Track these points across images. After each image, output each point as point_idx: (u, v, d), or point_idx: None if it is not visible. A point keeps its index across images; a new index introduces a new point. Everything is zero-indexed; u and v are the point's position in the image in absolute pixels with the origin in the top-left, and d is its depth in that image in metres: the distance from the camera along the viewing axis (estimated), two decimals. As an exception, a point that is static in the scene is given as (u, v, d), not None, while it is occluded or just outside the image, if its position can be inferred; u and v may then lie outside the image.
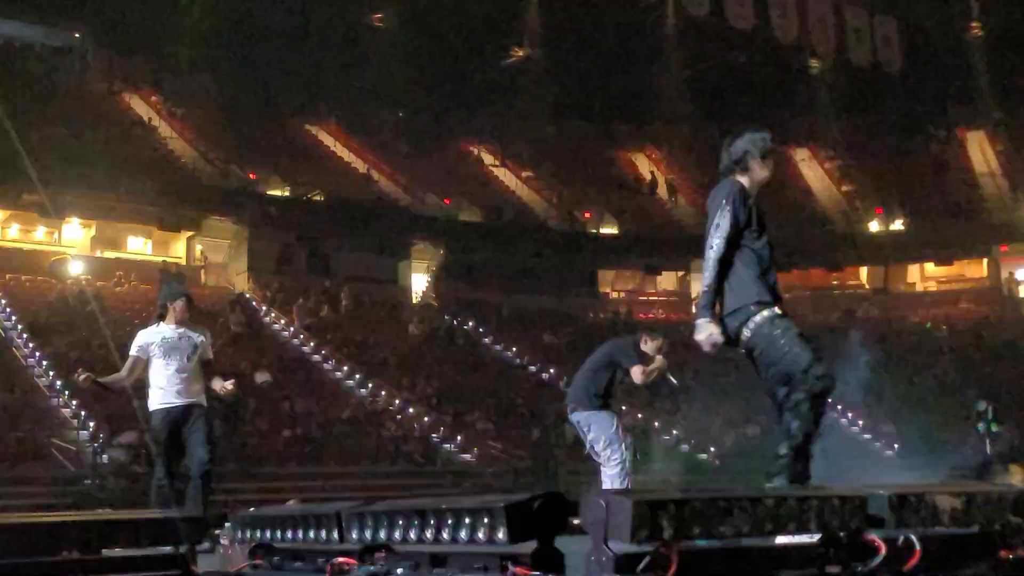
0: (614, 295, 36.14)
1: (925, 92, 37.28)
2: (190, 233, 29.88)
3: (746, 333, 4.61)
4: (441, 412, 22.93)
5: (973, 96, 37.71)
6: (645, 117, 38.63)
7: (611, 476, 7.59)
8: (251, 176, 31.74)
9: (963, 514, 3.32)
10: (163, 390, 7.10)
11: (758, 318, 4.59)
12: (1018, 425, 20.33)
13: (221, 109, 32.95)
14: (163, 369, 7.08)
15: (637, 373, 7.65)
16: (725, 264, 4.61)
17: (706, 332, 4.55)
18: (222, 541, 5.19)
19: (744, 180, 4.76)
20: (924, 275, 37.70)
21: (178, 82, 33.12)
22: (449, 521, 3.20)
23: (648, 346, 7.87)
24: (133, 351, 7.19)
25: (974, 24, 37.44)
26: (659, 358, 7.82)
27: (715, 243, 4.57)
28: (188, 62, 32.04)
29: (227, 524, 5.31)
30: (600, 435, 7.58)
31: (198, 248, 30.14)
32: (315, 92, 34.17)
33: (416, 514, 3.33)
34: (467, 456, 21.54)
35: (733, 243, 4.64)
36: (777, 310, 4.65)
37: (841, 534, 3.09)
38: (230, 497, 13.51)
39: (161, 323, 7.28)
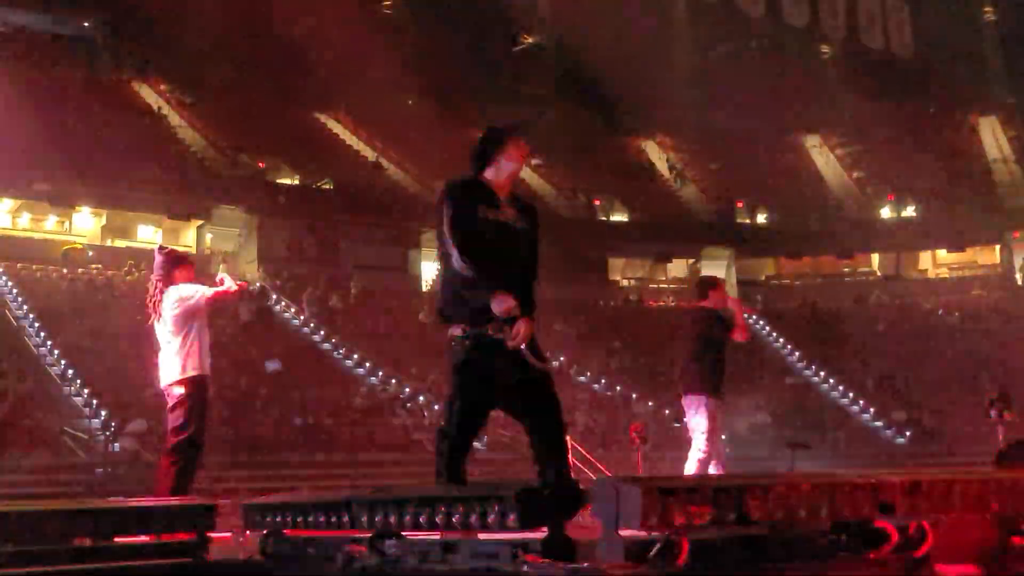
0: (624, 283, 36.10)
1: (937, 77, 37.06)
2: (200, 222, 29.94)
3: None
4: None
5: (986, 81, 37.48)
6: (655, 104, 38.48)
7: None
8: (261, 165, 31.78)
9: (975, 500, 3.30)
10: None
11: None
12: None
13: (231, 98, 32.95)
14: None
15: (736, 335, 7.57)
16: None
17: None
18: (233, 528, 5.21)
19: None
20: (936, 262, 37.55)
21: (188, 71, 33.13)
22: (459, 508, 3.20)
23: (716, 294, 7.69)
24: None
25: (987, 8, 37.19)
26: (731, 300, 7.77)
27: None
28: (198, 51, 32.02)
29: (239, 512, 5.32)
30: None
31: (208, 237, 30.21)
32: (325, 81, 34.13)
33: (426, 501, 3.33)
34: (478, 444, 21.58)
35: None
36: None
37: (853, 521, 3.07)
38: (241, 485, 13.56)
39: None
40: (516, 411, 4.53)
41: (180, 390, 6.32)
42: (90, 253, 27.33)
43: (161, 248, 6.96)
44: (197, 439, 6.35)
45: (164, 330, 6.48)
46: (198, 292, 6.50)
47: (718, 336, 7.51)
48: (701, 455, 7.32)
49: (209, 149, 31.71)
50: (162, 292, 6.52)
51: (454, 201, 4.48)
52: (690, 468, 7.29)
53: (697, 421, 7.38)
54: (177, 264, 6.72)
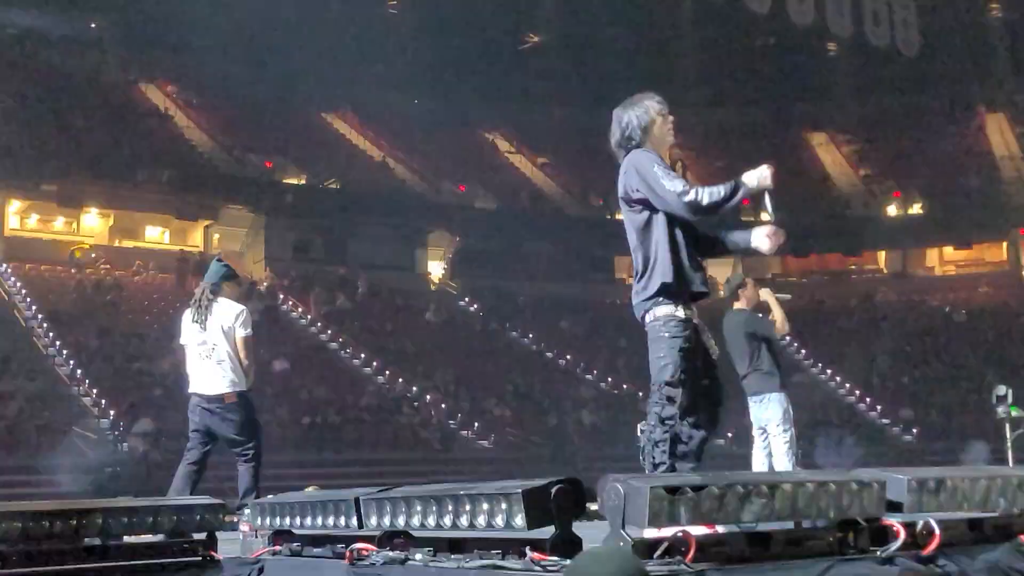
0: (630, 281, 36.05)
1: (944, 75, 36.97)
2: (207, 222, 30.00)
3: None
4: (458, 399, 22.99)
5: (992, 78, 37.38)
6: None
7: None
8: (268, 165, 31.82)
9: (983, 498, 3.31)
10: None
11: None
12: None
13: (237, 98, 33.00)
14: None
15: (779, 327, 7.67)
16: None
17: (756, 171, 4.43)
18: (242, 528, 5.23)
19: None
20: (943, 259, 37.46)
21: (194, 71, 33.19)
22: (467, 507, 3.21)
23: (747, 293, 7.74)
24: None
25: (993, 5, 37.08)
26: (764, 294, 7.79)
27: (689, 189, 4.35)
28: (204, 51, 32.08)
29: (247, 511, 5.35)
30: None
31: (215, 237, 30.27)
32: (331, 81, 34.17)
33: (434, 500, 3.34)
34: (484, 442, 21.61)
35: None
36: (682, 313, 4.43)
37: (860, 519, 3.08)
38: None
39: None
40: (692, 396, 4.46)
41: (239, 402, 6.81)
42: (92, 254, 27.37)
43: (220, 258, 7.23)
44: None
45: (216, 340, 6.85)
46: (250, 320, 6.98)
47: (764, 334, 7.62)
48: (787, 446, 7.41)
49: (216, 149, 31.77)
50: (210, 301, 6.90)
51: (657, 160, 4.46)
52: (785, 464, 7.32)
53: (770, 417, 7.49)
54: (231, 278, 7.12)
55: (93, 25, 33.45)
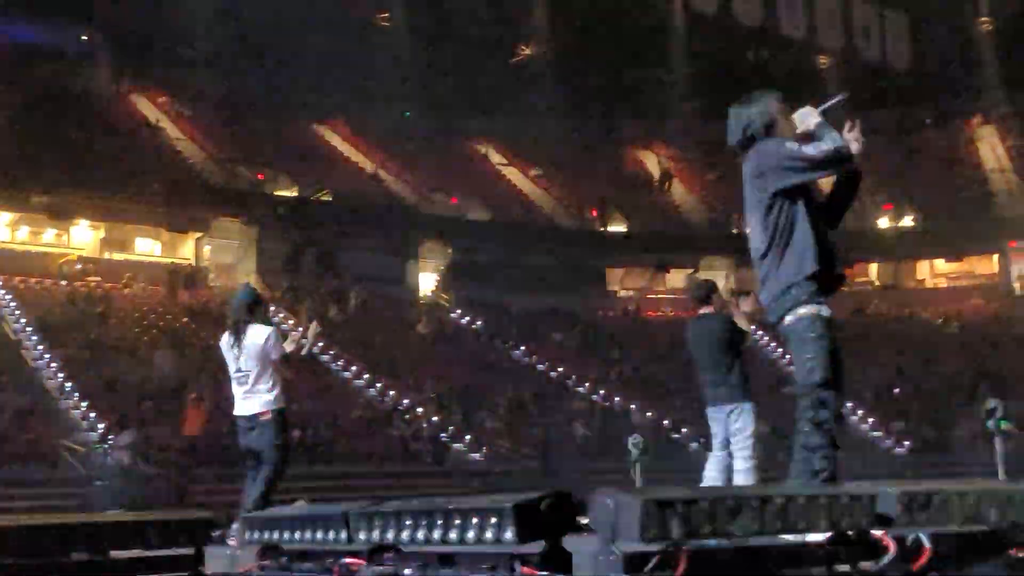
0: (623, 293, 36.11)
1: (935, 88, 37.15)
2: (199, 234, 29.94)
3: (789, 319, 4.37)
4: (450, 411, 22.94)
5: (983, 91, 37.57)
6: (654, 114, 38.57)
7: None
8: (260, 177, 31.80)
9: (974, 512, 3.30)
10: None
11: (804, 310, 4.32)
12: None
13: (229, 110, 33.00)
14: None
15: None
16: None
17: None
18: (230, 542, 5.20)
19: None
20: (934, 271, 37.58)
21: (186, 83, 33.20)
22: (457, 521, 3.19)
23: (718, 299, 7.66)
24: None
25: (984, 19, 37.31)
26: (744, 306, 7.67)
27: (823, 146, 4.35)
28: (196, 63, 32.09)
29: (235, 525, 5.32)
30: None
31: (206, 249, 30.21)
32: (322, 92, 34.20)
33: (424, 514, 3.33)
34: (476, 455, 21.55)
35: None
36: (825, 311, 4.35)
37: (850, 533, 3.07)
38: (238, 498, 13.50)
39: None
40: None
41: (273, 418, 7.19)
42: (79, 265, 27.26)
43: (246, 284, 7.48)
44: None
45: (252, 363, 7.19)
46: (279, 341, 7.37)
47: (739, 342, 7.45)
48: (754, 461, 7.20)
49: (208, 161, 31.75)
50: (245, 326, 7.27)
51: (787, 139, 4.48)
52: (748, 479, 7.12)
53: (740, 427, 7.27)
54: (256, 303, 7.56)
55: (84, 37, 33.42)
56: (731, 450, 7.31)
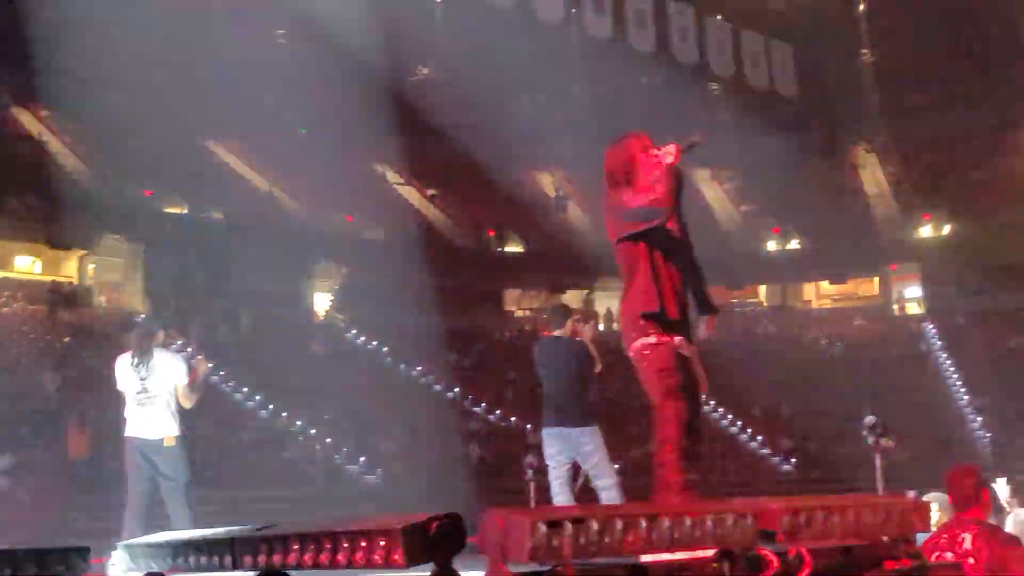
0: (519, 313, 36.30)
1: (819, 116, 38.48)
2: (83, 252, 28.99)
3: None
4: (345, 433, 22.66)
5: (865, 120, 39.07)
6: (550, 137, 38.97)
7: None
8: (147, 193, 30.98)
9: (852, 527, 3.39)
10: None
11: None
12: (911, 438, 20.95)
13: (116, 125, 32.06)
14: None
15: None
16: None
17: None
18: (109, 572, 5.00)
19: None
20: (819, 293, 38.85)
21: (71, 97, 32.11)
22: (345, 544, 3.13)
23: (572, 325, 7.71)
24: None
25: (865, 51, 38.85)
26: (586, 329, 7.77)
27: None
28: (82, 77, 31.10)
29: (115, 552, 5.11)
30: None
31: (91, 267, 29.26)
32: (215, 109, 33.55)
33: (311, 538, 3.25)
34: (372, 477, 21.32)
35: None
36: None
37: (735, 549, 3.12)
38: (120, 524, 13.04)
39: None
40: None
41: (179, 443, 7.15)
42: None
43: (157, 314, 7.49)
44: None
45: (161, 387, 7.13)
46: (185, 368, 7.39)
47: (591, 365, 7.58)
48: (617, 478, 7.35)
49: (92, 177, 30.78)
50: (153, 349, 7.26)
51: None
52: (615, 498, 7.18)
53: (597, 447, 7.33)
54: (166, 330, 7.82)
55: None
56: (588, 470, 7.40)
